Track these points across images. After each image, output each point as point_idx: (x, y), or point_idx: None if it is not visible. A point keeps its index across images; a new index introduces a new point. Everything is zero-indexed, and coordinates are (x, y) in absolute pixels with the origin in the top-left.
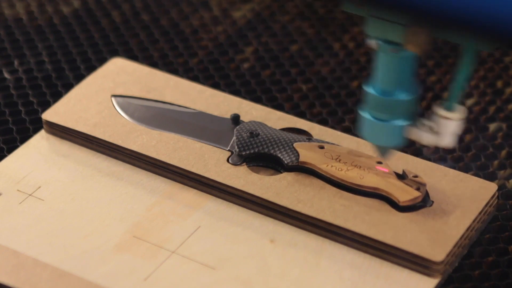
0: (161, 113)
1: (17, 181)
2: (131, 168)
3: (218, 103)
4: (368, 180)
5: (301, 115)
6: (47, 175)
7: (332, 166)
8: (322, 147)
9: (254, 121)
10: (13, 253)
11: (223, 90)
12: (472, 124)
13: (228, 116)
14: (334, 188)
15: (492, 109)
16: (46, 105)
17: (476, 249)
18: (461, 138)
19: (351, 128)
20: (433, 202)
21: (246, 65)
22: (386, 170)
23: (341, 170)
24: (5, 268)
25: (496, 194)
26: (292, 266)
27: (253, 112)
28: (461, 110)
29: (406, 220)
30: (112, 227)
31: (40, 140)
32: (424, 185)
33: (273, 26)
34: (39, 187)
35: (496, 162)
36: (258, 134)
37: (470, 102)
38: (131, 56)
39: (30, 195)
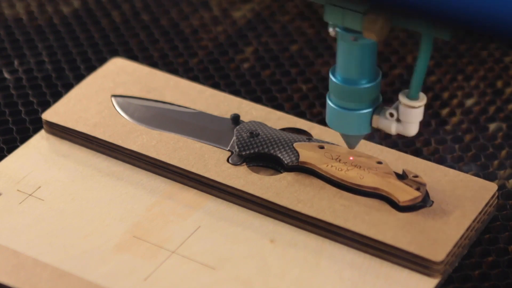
0: (161, 113)
1: (17, 181)
2: (131, 168)
3: (218, 103)
4: (368, 180)
5: (301, 115)
6: (47, 175)
7: (332, 166)
8: (322, 147)
9: (254, 121)
10: (13, 253)
11: (223, 90)
12: (472, 124)
13: (228, 116)
14: (334, 188)
15: (492, 109)
16: (46, 105)
17: (476, 249)
18: (461, 138)
19: None
20: (433, 202)
21: (246, 65)
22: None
23: (341, 170)
24: (5, 268)
25: (496, 194)
26: (292, 266)
27: (253, 112)
28: (422, 97)
29: (406, 220)
30: (112, 227)
31: (40, 140)
32: (424, 185)
33: (273, 26)
34: (39, 187)
35: (496, 162)
36: (258, 134)
37: (470, 102)
38: (131, 56)
39: (30, 195)
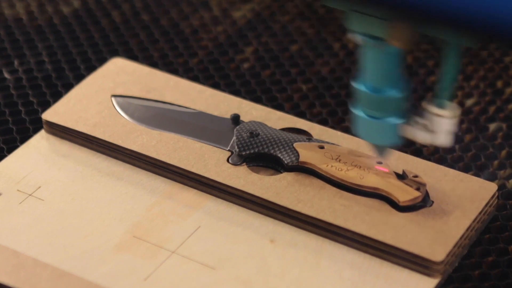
0: (161, 113)
1: (17, 181)
2: (131, 168)
3: (218, 103)
4: (368, 180)
5: (301, 115)
6: (47, 175)
7: (332, 166)
8: (322, 147)
9: (254, 121)
10: (13, 253)
11: (223, 90)
12: (472, 124)
13: (228, 116)
14: (334, 188)
15: (492, 109)
16: (46, 105)
17: (476, 249)
18: (461, 138)
19: (351, 128)
20: (433, 202)
21: (246, 65)
22: (386, 170)
23: (341, 170)
24: (5, 268)
25: (496, 194)
26: (292, 266)
27: (253, 112)
28: (453, 107)
29: (406, 220)
30: (112, 227)
31: (40, 140)
32: (424, 185)
33: (273, 26)
34: (39, 187)
35: (496, 162)
36: (258, 134)
37: (470, 102)
38: (131, 56)
39: (30, 195)
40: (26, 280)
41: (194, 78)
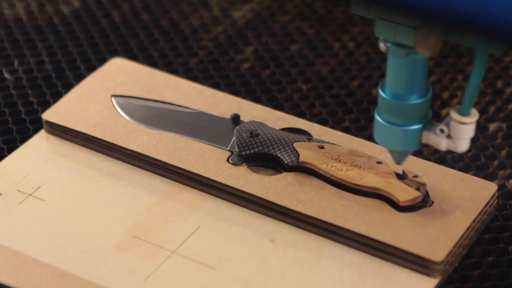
0: (161, 113)
1: (17, 181)
2: (131, 168)
3: (218, 103)
4: (368, 180)
5: (301, 115)
6: (47, 175)
7: (332, 166)
8: (322, 147)
9: (254, 121)
10: (13, 253)
11: (223, 90)
12: None
13: (228, 116)
14: (334, 188)
15: (492, 109)
16: (46, 105)
17: (476, 249)
18: None
19: (351, 128)
20: (433, 202)
21: (246, 65)
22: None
23: (341, 170)
24: (5, 268)
25: (496, 194)
26: (292, 266)
27: (253, 112)
28: (474, 114)
29: (406, 220)
30: (112, 227)
31: (40, 140)
32: (424, 185)
33: (273, 26)
34: (39, 187)
35: (496, 162)
36: (258, 134)
37: None
38: (131, 56)
39: (30, 195)
40: (26, 280)
41: (194, 78)
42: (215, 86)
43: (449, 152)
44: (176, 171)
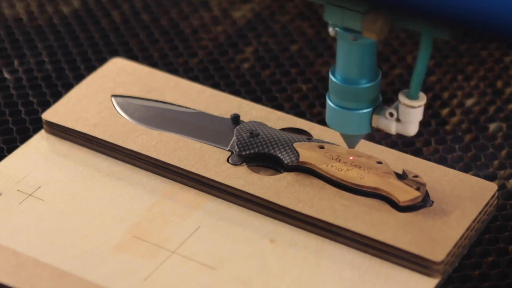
0: (161, 113)
1: (17, 181)
2: (131, 168)
3: (218, 103)
4: (368, 180)
5: (301, 115)
6: (47, 175)
7: (332, 166)
8: (322, 147)
9: (254, 121)
10: (13, 253)
11: (223, 90)
12: (472, 124)
13: (228, 116)
14: (334, 188)
15: (492, 109)
16: (46, 105)
17: (476, 249)
18: (461, 138)
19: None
20: (433, 202)
21: (246, 65)
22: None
23: (341, 170)
24: (5, 268)
25: (496, 194)
26: (292, 266)
27: (253, 112)
28: (422, 97)
29: (406, 220)
30: (112, 227)
31: (40, 140)
32: (424, 185)
33: (273, 26)
34: (39, 187)
35: (496, 162)
36: (258, 134)
37: (470, 102)
38: (131, 56)
39: (30, 195)
40: (26, 280)
41: (194, 78)
42: (215, 86)
43: (449, 152)
44: (176, 171)
